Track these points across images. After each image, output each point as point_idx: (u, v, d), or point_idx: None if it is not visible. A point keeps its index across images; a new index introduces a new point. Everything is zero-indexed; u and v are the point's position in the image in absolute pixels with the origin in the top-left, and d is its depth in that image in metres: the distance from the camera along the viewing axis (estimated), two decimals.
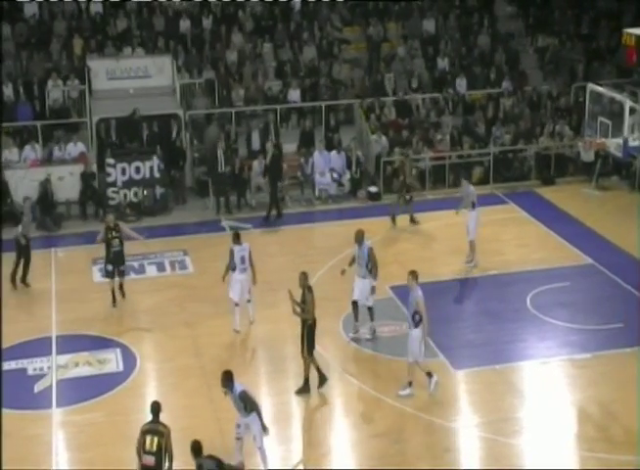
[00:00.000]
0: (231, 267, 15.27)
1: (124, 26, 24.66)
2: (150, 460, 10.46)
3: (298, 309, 13.45)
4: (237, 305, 15.36)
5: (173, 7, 25.32)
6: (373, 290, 15.08)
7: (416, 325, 13.39)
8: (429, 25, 26.32)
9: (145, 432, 10.58)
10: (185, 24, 24.96)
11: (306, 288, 13.44)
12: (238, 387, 11.40)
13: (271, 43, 25.15)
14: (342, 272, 15.27)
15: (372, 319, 15.32)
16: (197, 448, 10.39)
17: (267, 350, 15.03)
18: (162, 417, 13.11)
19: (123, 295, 16.70)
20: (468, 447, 12.83)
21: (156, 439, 10.43)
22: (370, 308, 15.21)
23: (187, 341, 15.38)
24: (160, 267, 18.28)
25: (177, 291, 17.26)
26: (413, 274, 13.50)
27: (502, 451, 12.45)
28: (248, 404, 11.39)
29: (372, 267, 14.92)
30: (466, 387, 14.16)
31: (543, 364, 14.61)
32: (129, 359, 14.76)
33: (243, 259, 15.31)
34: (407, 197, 20.20)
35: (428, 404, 13.39)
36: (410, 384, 13.61)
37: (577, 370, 14.40)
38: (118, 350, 15.04)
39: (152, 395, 13.90)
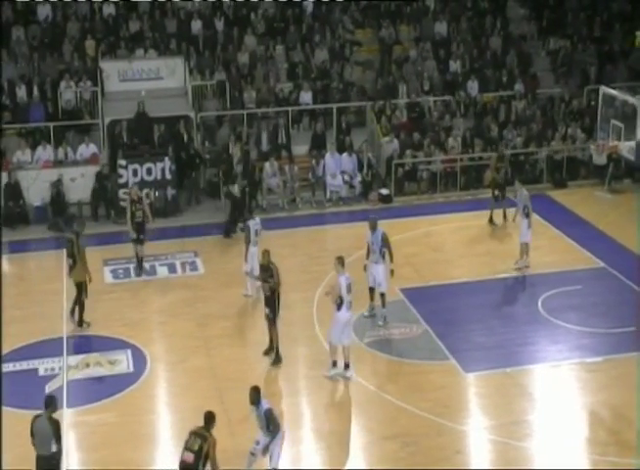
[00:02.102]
0: (247, 241, 16.42)
1: (137, 28, 24.73)
2: (189, 457, 10.61)
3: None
4: (247, 273, 16.32)
5: (185, 9, 25.40)
6: (392, 273, 15.61)
7: (339, 308, 13.89)
8: (441, 28, 26.29)
9: (192, 433, 10.78)
10: (197, 26, 25.03)
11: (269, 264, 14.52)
12: (264, 404, 11.35)
13: (283, 45, 25.20)
14: (365, 268, 15.76)
15: (383, 306, 15.77)
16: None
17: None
18: (173, 419, 13.21)
19: (141, 267, 17.85)
20: (479, 450, 12.79)
21: (198, 440, 10.63)
22: (382, 295, 15.69)
23: (198, 342, 15.40)
24: (172, 269, 18.30)
25: (188, 292, 17.29)
26: (339, 260, 13.97)
27: (513, 454, 12.42)
28: (271, 424, 11.31)
29: (387, 251, 15.55)
30: (477, 390, 14.11)
31: (554, 368, 14.56)
32: (140, 360, 14.78)
33: (257, 233, 16.51)
34: (496, 194, 20.26)
35: (439, 407, 13.36)
36: (335, 364, 14.08)
37: (589, 374, 14.35)
38: (129, 350, 15.07)
39: (162, 395, 13.99)
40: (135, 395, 13.91)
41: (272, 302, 14.41)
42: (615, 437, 12.80)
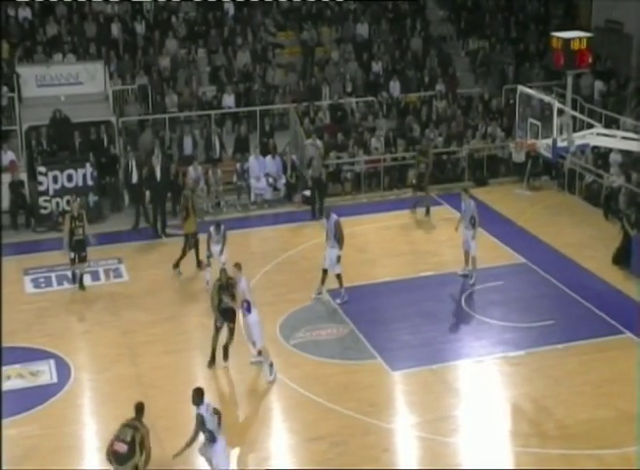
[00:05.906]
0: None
1: (54, 32, 24.28)
2: (121, 447, 10.72)
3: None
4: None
5: (105, 12, 25.03)
6: (339, 259, 16.46)
7: (249, 311, 14.22)
8: (362, 30, 26.52)
9: (123, 425, 10.89)
10: (117, 30, 24.70)
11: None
12: (202, 408, 11.23)
13: (205, 48, 25.07)
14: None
15: (341, 285, 16.59)
16: None
17: (205, 356, 14.89)
18: (98, 428, 13.02)
19: (82, 286, 17.35)
20: (406, 448, 12.93)
21: (130, 430, 10.77)
22: (338, 276, 16.57)
23: (123, 350, 15.20)
24: (95, 276, 18.00)
25: (112, 300, 17.05)
26: (237, 266, 14.29)
27: (440, 450, 12.59)
28: (198, 428, 11.24)
29: (339, 238, 16.38)
30: (403, 388, 14.27)
31: (478, 363, 14.81)
32: (63, 370, 14.51)
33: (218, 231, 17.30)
34: (422, 184, 21.23)
35: (366, 406, 13.45)
36: (272, 365, 14.24)
37: (511, 368, 14.65)
38: (52, 361, 14.78)
39: (87, 405, 13.78)
40: (59, 406, 13.64)
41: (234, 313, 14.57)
42: (536, 428, 13.09)
